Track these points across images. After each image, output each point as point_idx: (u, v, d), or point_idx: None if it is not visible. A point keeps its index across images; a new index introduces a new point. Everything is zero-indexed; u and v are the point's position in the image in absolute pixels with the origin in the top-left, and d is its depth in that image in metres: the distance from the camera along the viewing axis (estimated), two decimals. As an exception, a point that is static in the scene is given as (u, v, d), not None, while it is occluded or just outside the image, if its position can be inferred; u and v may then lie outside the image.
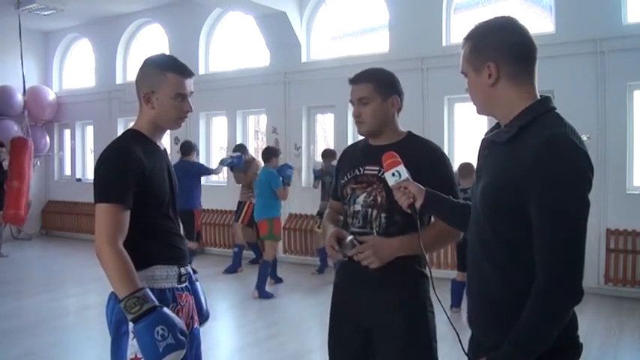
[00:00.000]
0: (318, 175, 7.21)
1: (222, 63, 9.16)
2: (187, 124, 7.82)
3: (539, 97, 1.48)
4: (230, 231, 8.53)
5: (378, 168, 2.03)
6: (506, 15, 1.54)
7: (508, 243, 1.44)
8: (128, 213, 1.82)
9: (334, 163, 6.97)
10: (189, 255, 2.06)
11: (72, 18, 9.92)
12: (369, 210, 2.07)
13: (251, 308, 5.84)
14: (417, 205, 1.78)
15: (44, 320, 5.24)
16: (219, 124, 9.36)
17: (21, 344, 4.52)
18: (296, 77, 8.17)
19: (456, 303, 5.33)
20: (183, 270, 1.97)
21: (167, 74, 1.91)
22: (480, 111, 1.58)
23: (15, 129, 9.68)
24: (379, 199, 2.05)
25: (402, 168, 1.80)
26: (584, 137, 1.49)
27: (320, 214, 7.22)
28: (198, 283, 2.13)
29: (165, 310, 1.76)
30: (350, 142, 7.89)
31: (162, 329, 1.69)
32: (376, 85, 2.13)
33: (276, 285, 6.59)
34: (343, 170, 2.22)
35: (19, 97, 9.92)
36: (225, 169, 7.51)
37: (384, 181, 1.89)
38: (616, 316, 5.20)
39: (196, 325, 2.05)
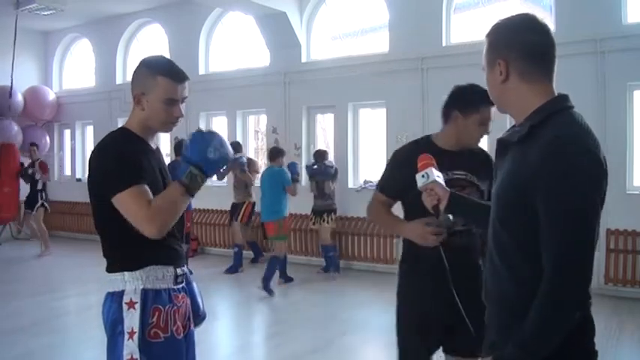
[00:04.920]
0: (311, 172, 7.20)
1: (222, 63, 9.16)
2: (187, 124, 7.82)
3: (555, 95, 1.46)
4: (230, 231, 8.53)
5: (464, 172, 2.21)
6: (526, 13, 1.53)
7: (521, 245, 1.42)
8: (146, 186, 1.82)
9: (327, 162, 7.06)
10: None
11: (72, 18, 9.92)
12: None
13: (251, 308, 5.84)
14: (441, 206, 1.80)
15: (44, 320, 5.24)
16: (219, 124, 9.36)
17: (21, 344, 4.52)
18: (296, 77, 8.17)
19: None
20: (179, 270, 1.95)
21: (158, 78, 1.88)
22: (498, 108, 1.59)
23: (15, 129, 9.69)
24: None
25: (431, 170, 1.82)
26: None
27: (315, 211, 7.24)
28: (194, 284, 2.11)
29: (197, 149, 1.84)
30: (350, 142, 7.91)
31: (211, 153, 1.84)
32: None
33: (287, 284, 6.60)
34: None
35: (19, 97, 9.95)
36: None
37: (476, 185, 1.95)
38: (616, 316, 5.20)
39: (192, 326, 2.03)
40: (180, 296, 1.94)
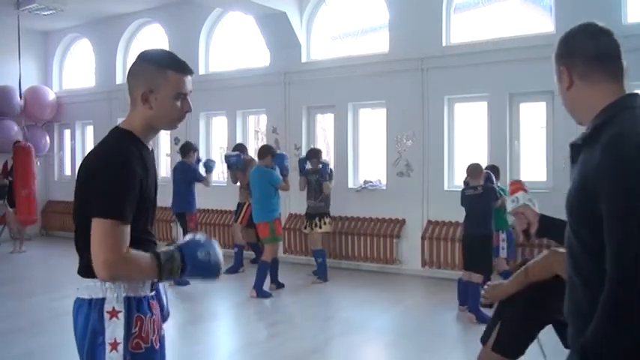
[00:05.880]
0: (304, 169, 6.90)
1: (222, 63, 9.16)
2: (187, 124, 7.83)
3: (623, 95, 1.44)
4: (230, 231, 8.53)
5: None
6: (586, 22, 1.56)
7: (590, 251, 1.38)
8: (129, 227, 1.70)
9: (323, 160, 6.87)
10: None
11: (72, 18, 9.92)
12: None
13: (251, 308, 5.84)
14: (532, 230, 1.80)
15: (44, 320, 5.24)
16: (219, 124, 9.36)
17: (21, 344, 4.52)
18: (296, 77, 8.17)
19: (462, 302, 5.35)
20: None
21: (168, 73, 1.77)
22: (573, 118, 1.55)
23: (15, 129, 9.69)
24: None
25: (521, 194, 1.85)
26: None
27: (307, 214, 7.06)
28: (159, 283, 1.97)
29: (190, 244, 1.81)
30: (350, 142, 7.91)
31: (201, 253, 1.80)
32: None
33: (278, 290, 6.38)
34: None
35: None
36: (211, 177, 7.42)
37: None
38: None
39: (163, 332, 1.94)
40: (154, 304, 1.85)
